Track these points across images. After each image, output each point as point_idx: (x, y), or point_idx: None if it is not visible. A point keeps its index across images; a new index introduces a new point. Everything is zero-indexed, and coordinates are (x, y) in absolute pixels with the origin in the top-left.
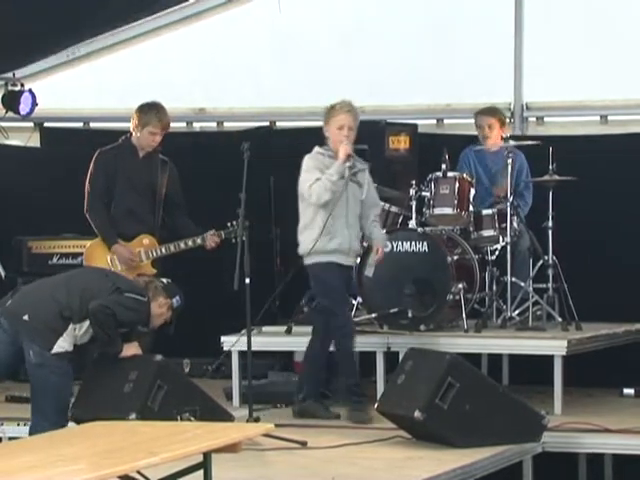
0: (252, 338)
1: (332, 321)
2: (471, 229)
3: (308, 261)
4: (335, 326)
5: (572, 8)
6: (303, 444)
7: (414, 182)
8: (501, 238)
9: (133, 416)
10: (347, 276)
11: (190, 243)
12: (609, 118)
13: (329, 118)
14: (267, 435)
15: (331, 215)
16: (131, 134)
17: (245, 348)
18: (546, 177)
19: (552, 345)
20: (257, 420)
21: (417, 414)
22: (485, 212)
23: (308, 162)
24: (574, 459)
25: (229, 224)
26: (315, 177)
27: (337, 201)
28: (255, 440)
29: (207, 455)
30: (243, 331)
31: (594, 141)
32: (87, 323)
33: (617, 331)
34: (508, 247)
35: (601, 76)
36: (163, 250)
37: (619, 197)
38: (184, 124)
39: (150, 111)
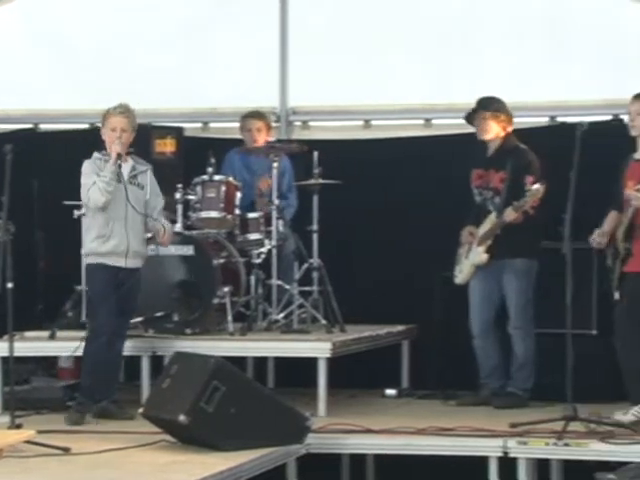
0: (14, 343)
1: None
2: (237, 232)
3: (85, 262)
4: (91, 328)
5: (337, 13)
6: (66, 450)
7: (180, 185)
8: (267, 241)
9: None
10: (124, 278)
11: None
12: (372, 123)
13: (104, 121)
14: (29, 442)
15: (110, 217)
16: None
17: (7, 354)
18: (311, 181)
19: (316, 347)
20: (19, 427)
21: (182, 418)
22: (251, 215)
23: (86, 167)
24: (338, 460)
25: None
26: (92, 181)
27: (116, 203)
28: (17, 447)
29: None
30: (5, 336)
31: (358, 145)
32: None
33: (380, 333)
34: (273, 250)
35: (365, 81)
36: None
37: (382, 201)
38: None
39: None
